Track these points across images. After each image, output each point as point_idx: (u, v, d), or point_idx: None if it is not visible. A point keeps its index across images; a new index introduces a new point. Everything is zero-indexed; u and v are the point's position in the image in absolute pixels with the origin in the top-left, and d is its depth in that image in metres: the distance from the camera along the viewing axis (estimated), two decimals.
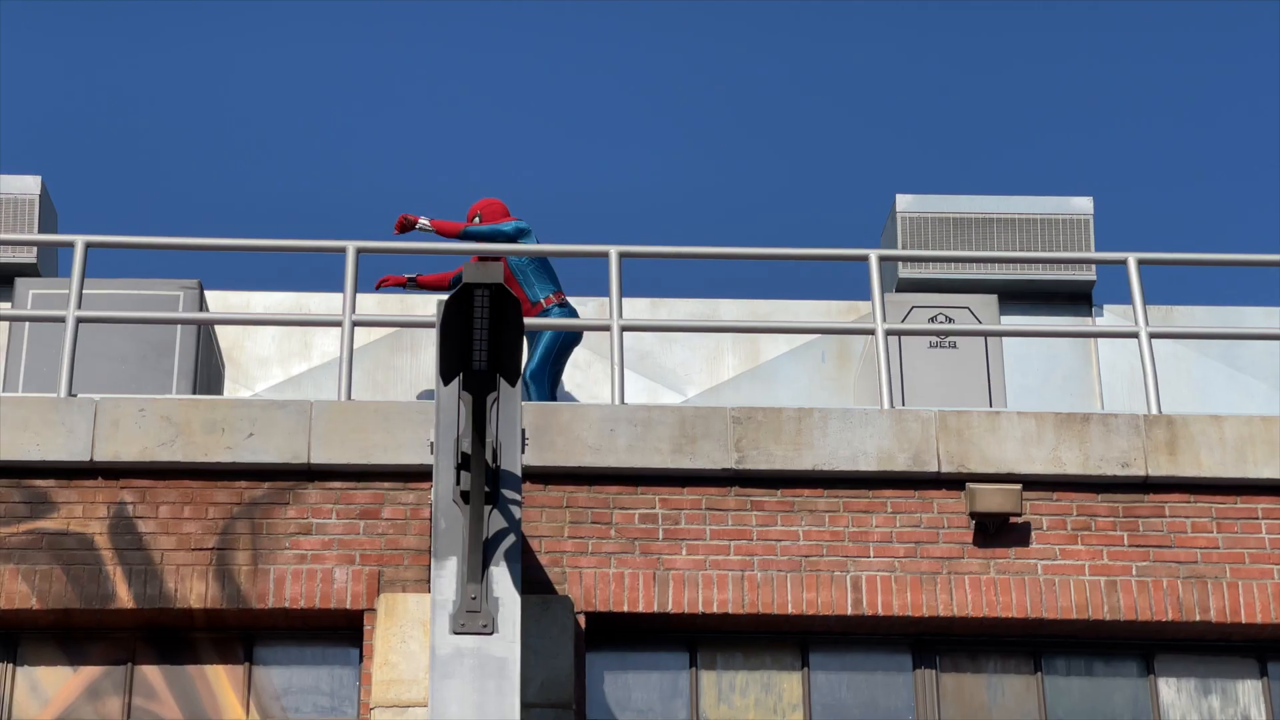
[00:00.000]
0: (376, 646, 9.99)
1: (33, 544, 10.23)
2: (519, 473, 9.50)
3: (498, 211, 12.97)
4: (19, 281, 12.57)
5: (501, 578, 9.28)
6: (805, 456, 10.57)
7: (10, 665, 10.24)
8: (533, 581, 10.27)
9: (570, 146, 28.18)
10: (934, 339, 12.45)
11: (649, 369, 13.94)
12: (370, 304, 13.71)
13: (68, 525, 10.29)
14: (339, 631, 10.36)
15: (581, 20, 28.04)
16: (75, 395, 10.68)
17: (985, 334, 11.34)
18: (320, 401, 10.60)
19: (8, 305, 12.98)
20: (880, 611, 10.33)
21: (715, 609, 10.28)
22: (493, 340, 8.62)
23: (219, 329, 13.36)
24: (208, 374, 12.62)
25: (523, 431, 9.62)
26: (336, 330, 13.58)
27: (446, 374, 8.78)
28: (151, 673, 10.30)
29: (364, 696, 10.07)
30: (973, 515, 10.47)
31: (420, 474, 10.46)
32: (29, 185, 13.54)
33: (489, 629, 9.14)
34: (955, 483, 10.62)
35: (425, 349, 13.65)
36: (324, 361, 13.74)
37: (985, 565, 10.48)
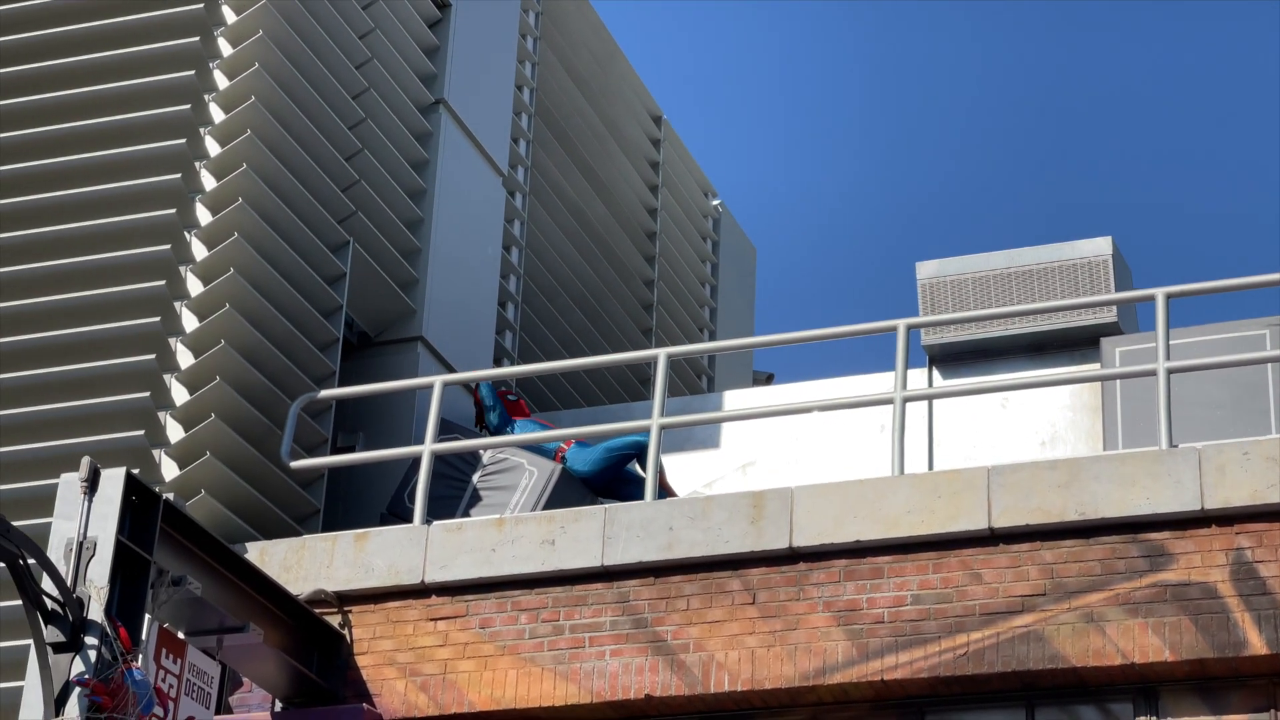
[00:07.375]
0: None
1: (1156, 597, 10.27)
2: None
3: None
4: (1104, 341, 12.75)
5: None
6: None
7: (1153, 718, 10.30)
8: None
9: None
10: None
11: None
12: None
13: (1189, 575, 10.27)
14: None
15: None
16: (1176, 446, 10.67)
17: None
18: None
19: (1095, 366, 13.17)
20: None
21: None
22: None
23: None
24: None
25: None
26: None
27: None
28: None
29: None
30: None
31: None
32: (1101, 247, 13.70)
33: None
34: None
35: None
36: None
37: None
